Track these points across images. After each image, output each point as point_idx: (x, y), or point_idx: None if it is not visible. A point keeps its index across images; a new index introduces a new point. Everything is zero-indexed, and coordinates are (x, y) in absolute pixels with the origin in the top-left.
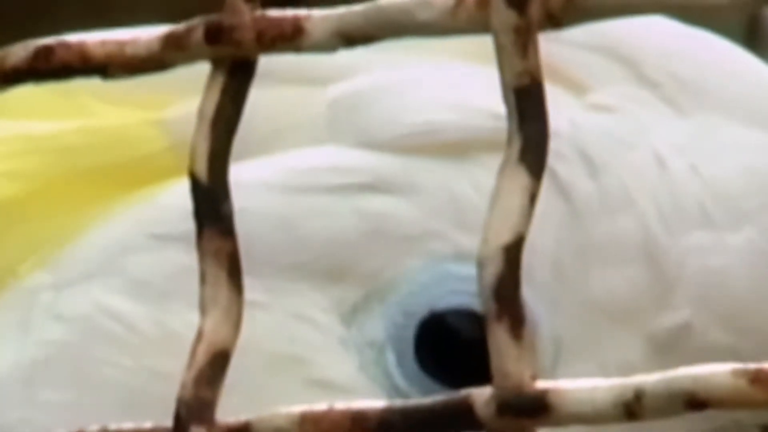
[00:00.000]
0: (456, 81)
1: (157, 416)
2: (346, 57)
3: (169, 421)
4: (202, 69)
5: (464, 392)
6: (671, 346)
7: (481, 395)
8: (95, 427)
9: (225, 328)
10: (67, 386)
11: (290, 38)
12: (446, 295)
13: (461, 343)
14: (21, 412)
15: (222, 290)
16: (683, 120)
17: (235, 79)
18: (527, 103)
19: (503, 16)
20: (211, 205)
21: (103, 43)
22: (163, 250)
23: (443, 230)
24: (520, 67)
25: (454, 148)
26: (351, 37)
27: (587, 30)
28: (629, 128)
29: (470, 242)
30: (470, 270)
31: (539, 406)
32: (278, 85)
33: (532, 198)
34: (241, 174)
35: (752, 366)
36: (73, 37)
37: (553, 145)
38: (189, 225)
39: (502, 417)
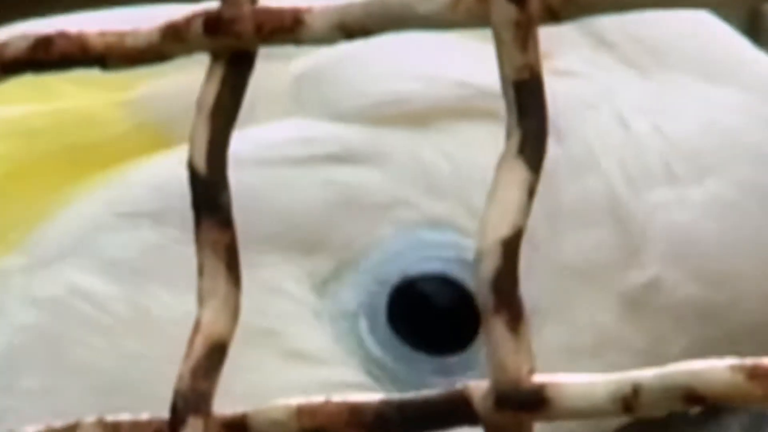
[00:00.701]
0: (422, 50)
1: (133, 398)
2: None
3: (146, 403)
4: None
5: (461, 386)
6: (642, 304)
7: (478, 389)
8: (91, 418)
9: (222, 319)
10: (44, 372)
11: (289, 30)
12: (418, 262)
13: (434, 309)
14: (2, 401)
15: (220, 282)
16: (644, 80)
17: (234, 70)
18: (526, 97)
19: (503, 10)
20: (210, 196)
21: (103, 33)
22: (133, 229)
23: (413, 198)
24: (519, 61)
25: (421, 117)
26: (351, 30)
27: None
28: (591, 91)
29: (440, 209)
30: (441, 236)
31: (537, 400)
32: None
33: (531, 191)
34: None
35: (750, 361)
36: (73, 28)
37: None
38: (157, 203)
39: (500, 411)
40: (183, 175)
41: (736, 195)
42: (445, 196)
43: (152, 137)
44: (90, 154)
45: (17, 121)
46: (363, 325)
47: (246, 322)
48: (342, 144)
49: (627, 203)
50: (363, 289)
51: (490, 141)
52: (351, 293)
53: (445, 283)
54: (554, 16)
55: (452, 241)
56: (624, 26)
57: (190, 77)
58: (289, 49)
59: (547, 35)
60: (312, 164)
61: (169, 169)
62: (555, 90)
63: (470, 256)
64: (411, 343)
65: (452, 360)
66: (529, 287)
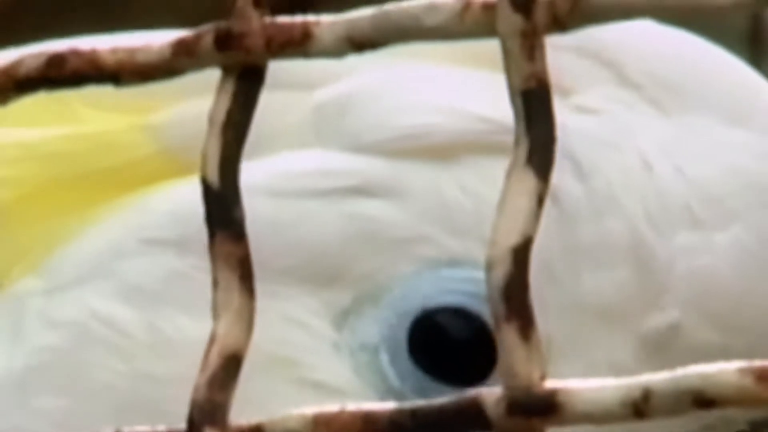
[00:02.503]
0: (443, 84)
1: (149, 420)
2: (331, 60)
3: (162, 425)
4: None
5: (474, 392)
6: (661, 347)
7: (491, 395)
8: (109, 430)
9: (237, 331)
10: (60, 392)
11: (299, 44)
12: (437, 296)
13: (453, 341)
14: (15, 419)
15: (234, 294)
16: (667, 121)
17: (245, 84)
18: (534, 106)
19: (510, 20)
20: (223, 210)
21: (114, 50)
22: (154, 254)
23: (433, 234)
24: (527, 70)
25: (442, 151)
26: (359, 43)
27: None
28: (614, 130)
29: (461, 246)
30: (461, 273)
31: (549, 406)
32: (264, 90)
33: (540, 200)
34: (252, 172)
35: (758, 364)
36: (85, 45)
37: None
38: (179, 230)
39: (512, 417)
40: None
41: (758, 242)
42: (466, 233)
43: (175, 163)
44: (110, 178)
45: (37, 145)
46: (384, 357)
47: (265, 351)
48: (362, 177)
49: (649, 245)
50: (384, 323)
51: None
52: (372, 326)
53: (464, 316)
54: (560, 25)
55: (471, 277)
56: (647, 66)
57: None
58: (309, 80)
59: (570, 71)
60: (331, 196)
61: (192, 196)
62: (578, 127)
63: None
64: (431, 375)
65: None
66: (547, 322)
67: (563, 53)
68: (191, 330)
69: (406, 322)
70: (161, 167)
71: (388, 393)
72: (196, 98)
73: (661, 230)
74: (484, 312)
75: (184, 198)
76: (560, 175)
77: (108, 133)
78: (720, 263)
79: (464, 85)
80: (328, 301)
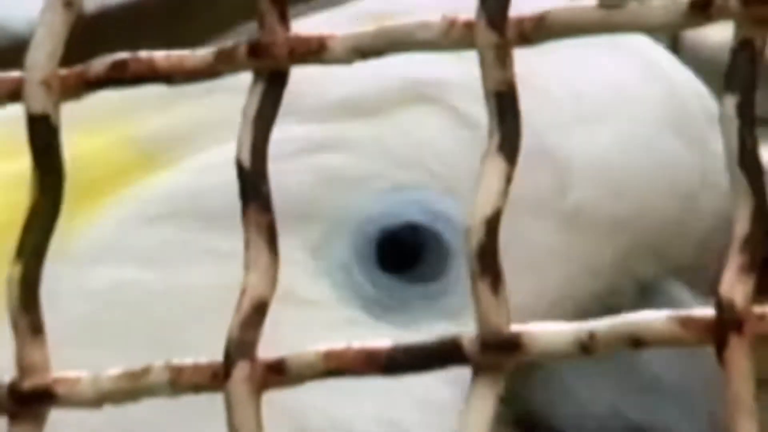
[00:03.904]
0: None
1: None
2: None
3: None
4: (161, 91)
5: (454, 335)
6: (574, 222)
7: (467, 337)
8: (160, 362)
9: (264, 283)
10: (98, 349)
11: (316, 53)
12: (394, 216)
13: (412, 249)
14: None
15: (262, 254)
16: (547, 55)
17: (272, 86)
18: (505, 106)
19: (486, 36)
20: (253, 187)
21: (167, 57)
22: (157, 227)
23: (382, 170)
24: (499, 77)
25: (376, 108)
26: (364, 52)
27: None
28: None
29: (405, 175)
30: (408, 195)
31: (514, 345)
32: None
33: (508, 180)
34: (219, 155)
35: (682, 313)
36: (144, 53)
37: (462, 90)
38: (173, 207)
39: (485, 354)
40: (186, 182)
41: (633, 128)
42: (408, 165)
43: (158, 164)
44: (104, 183)
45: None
46: (356, 272)
47: None
48: (316, 138)
49: (554, 147)
50: (353, 245)
51: (435, 119)
52: (343, 250)
53: (417, 228)
54: (527, 40)
55: (418, 198)
56: None
57: (177, 113)
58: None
59: None
60: (295, 156)
61: (175, 180)
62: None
63: (433, 206)
64: (397, 279)
65: (432, 287)
66: None
67: None
68: (197, 281)
69: (372, 240)
70: (148, 168)
71: (363, 299)
72: (171, 110)
73: (561, 134)
74: (434, 223)
75: (172, 182)
76: (474, 108)
77: (93, 151)
78: (606, 149)
79: (388, 60)
80: (304, 237)
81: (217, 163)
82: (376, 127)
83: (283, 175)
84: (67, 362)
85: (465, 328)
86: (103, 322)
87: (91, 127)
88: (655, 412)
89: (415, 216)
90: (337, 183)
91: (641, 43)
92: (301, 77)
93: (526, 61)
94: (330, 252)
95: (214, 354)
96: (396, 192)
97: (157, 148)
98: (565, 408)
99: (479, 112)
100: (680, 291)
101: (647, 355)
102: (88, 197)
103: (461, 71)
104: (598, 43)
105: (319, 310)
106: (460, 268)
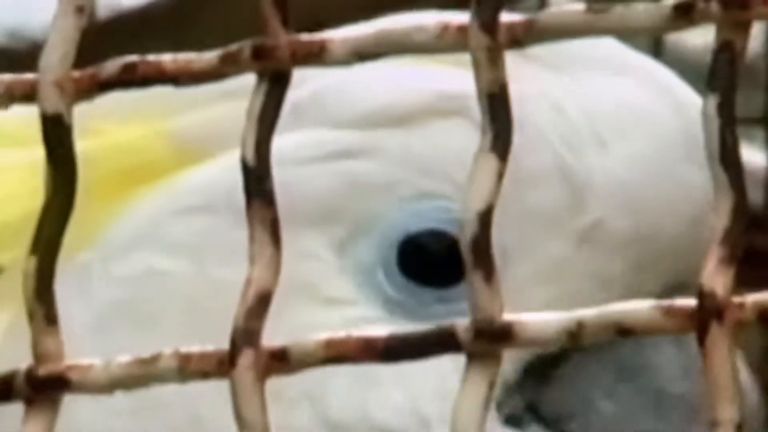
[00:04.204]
0: (401, 72)
1: (200, 342)
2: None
3: (211, 346)
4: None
5: (449, 323)
6: (589, 239)
7: (461, 325)
8: (169, 350)
9: (268, 275)
10: (128, 331)
11: (317, 56)
12: (416, 222)
13: (432, 254)
14: (94, 353)
15: (266, 247)
16: (565, 77)
17: (275, 86)
18: (497, 105)
19: (478, 39)
20: (257, 183)
21: (175, 60)
22: (187, 218)
23: (407, 178)
24: (491, 78)
25: (405, 118)
26: (363, 55)
27: None
28: (530, 88)
29: (429, 185)
30: (432, 203)
31: (506, 333)
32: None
33: (500, 176)
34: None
35: (665, 302)
36: (152, 56)
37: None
38: (205, 199)
39: (478, 341)
40: (221, 177)
41: (647, 150)
42: (433, 174)
43: (185, 156)
44: (137, 173)
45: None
46: (379, 274)
47: (288, 279)
48: (345, 144)
49: (570, 165)
50: (377, 248)
51: (460, 131)
52: (367, 252)
53: (438, 235)
54: (518, 43)
55: (441, 206)
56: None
57: (214, 110)
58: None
59: None
60: (323, 161)
61: (209, 172)
62: None
63: (454, 214)
64: (417, 282)
65: (449, 292)
66: (502, 234)
67: None
68: (225, 273)
69: (395, 245)
70: (177, 162)
71: (384, 300)
72: (203, 108)
73: (578, 153)
74: (452, 231)
75: (203, 176)
76: None
77: (129, 140)
78: (623, 170)
79: (419, 72)
80: (331, 236)
81: None
82: (403, 136)
83: (313, 178)
84: (96, 344)
85: None
86: (132, 307)
87: (126, 117)
88: (659, 423)
89: (437, 223)
90: (365, 188)
91: (654, 67)
92: (334, 87)
93: (543, 79)
94: (354, 252)
95: None
96: (420, 199)
97: (191, 143)
98: (575, 410)
99: None
100: None
101: (657, 369)
102: (122, 187)
103: None
104: (613, 66)
105: (340, 307)
106: None
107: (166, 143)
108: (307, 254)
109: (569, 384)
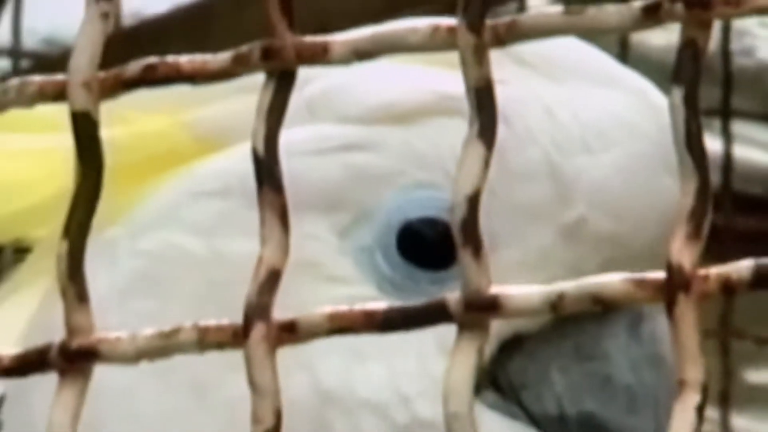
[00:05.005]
0: (402, 73)
1: (215, 313)
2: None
3: (223, 313)
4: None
5: (441, 296)
6: (573, 233)
7: (453, 298)
8: (188, 323)
9: (277, 255)
10: (149, 298)
11: (320, 56)
12: (414, 210)
13: (427, 239)
14: (117, 319)
15: (276, 230)
16: (557, 85)
17: (282, 84)
18: (483, 99)
19: (466, 38)
20: (267, 171)
21: (191, 60)
22: (204, 200)
23: (406, 170)
24: (477, 74)
25: (405, 115)
26: (362, 54)
27: None
28: (524, 92)
29: (426, 175)
30: (428, 193)
31: (493, 305)
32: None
33: (486, 163)
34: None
35: (636, 275)
36: (171, 57)
37: None
38: (221, 183)
39: (468, 312)
40: (236, 164)
41: (629, 159)
42: (430, 167)
43: (205, 145)
44: (161, 159)
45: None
46: (378, 255)
47: (295, 259)
48: (350, 138)
49: (559, 164)
50: (377, 232)
51: (455, 128)
52: (367, 235)
53: (433, 222)
54: (501, 42)
55: (436, 196)
56: (537, 51)
57: (230, 104)
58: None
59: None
60: (329, 153)
61: (226, 161)
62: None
63: (448, 204)
64: (413, 264)
65: (443, 273)
66: (492, 222)
67: None
68: (236, 250)
69: (394, 229)
70: (197, 150)
71: (382, 280)
72: (221, 101)
73: (566, 155)
74: (444, 217)
75: (220, 162)
76: None
77: (153, 130)
78: (607, 174)
79: (418, 73)
80: (333, 221)
81: None
82: (404, 132)
83: (320, 167)
84: (120, 309)
85: None
86: (151, 276)
87: (153, 109)
88: (608, 406)
89: (432, 211)
90: (367, 177)
91: (640, 82)
92: (342, 85)
93: (538, 85)
94: (356, 236)
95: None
96: (417, 189)
97: (209, 133)
98: (529, 381)
99: (500, 130)
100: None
101: (609, 358)
102: (148, 172)
103: None
104: (603, 79)
105: (340, 285)
106: None
107: (188, 133)
108: (312, 236)
109: (528, 359)
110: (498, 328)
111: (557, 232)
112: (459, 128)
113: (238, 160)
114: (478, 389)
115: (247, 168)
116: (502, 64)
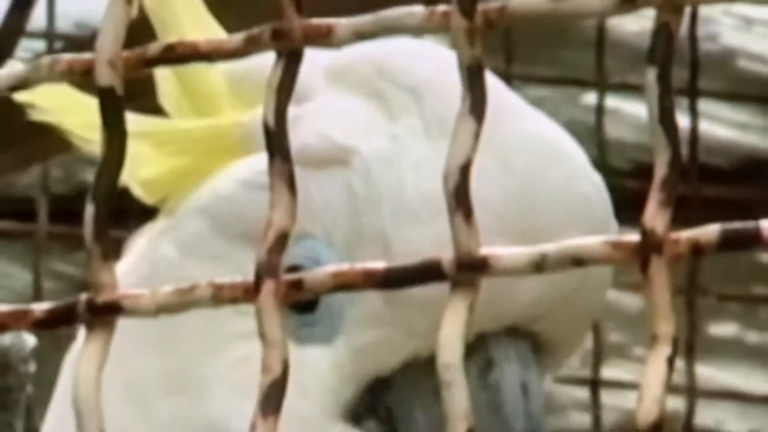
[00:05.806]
0: (329, 115)
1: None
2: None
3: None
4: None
5: (436, 257)
6: (396, 299)
7: (446, 258)
8: (204, 281)
9: (285, 218)
10: (173, 280)
11: (325, 36)
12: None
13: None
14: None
15: (284, 195)
16: (435, 143)
17: (290, 63)
18: (474, 77)
19: (458, 21)
20: (277, 143)
21: (208, 41)
22: (191, 215)
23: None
24: (469, 54)
25: (313, 162)
26: (364, 35)
27: (403, 73)
28: (399, 151)
29: (309, 226)
30: (303, 243)
31: (483, 264)
32: None
33: (477, 136)
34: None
35: (613, 237)
36: (189, 38)
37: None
38: (201, 201)
39: (460, 272)
40: (219, 187)
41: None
42: (314, 218)
43: (250, 145)
44: (217, 156)
45: (181, 131)
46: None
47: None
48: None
49: (390, 233)
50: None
51: (338, 184)
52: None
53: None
54: (491, 25)
55: (308, 245)
56: (442, 102)
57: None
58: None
59: (393, 104)
60: (256, 190)
61: (217, 182)
62: (377, 148)
63: (317, 254)
64: (294, 310)
65: (308, 317)
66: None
67: (393, 87)
68: (197, 271)
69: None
70: (242, 147)
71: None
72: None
73: (399, 223)
74: (311, 266)
75: (215, 181)
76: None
77: (219, 125)
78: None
79: (340, 116)
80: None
81: (236, 177)
82: (305, 177)
83: (250, 203)
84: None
85: (336, 352)
86: (178, 259)
87: (209, 109)
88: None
89: (301, 260)
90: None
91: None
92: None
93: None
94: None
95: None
96: (297, 239)
97: (254, 134)
98: (404, 422)
99: (361, 188)
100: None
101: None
102: (201, 164)
103: (373, 145)
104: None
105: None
106: (329, 304)
107: (238, 133)
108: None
109: (396, 395)
110: (360, 371)
111: (383, 295)
112: (341, 184)
113: (222, 182)
114: (360, 419)
115: (226, 192)
116: (405, 109)
